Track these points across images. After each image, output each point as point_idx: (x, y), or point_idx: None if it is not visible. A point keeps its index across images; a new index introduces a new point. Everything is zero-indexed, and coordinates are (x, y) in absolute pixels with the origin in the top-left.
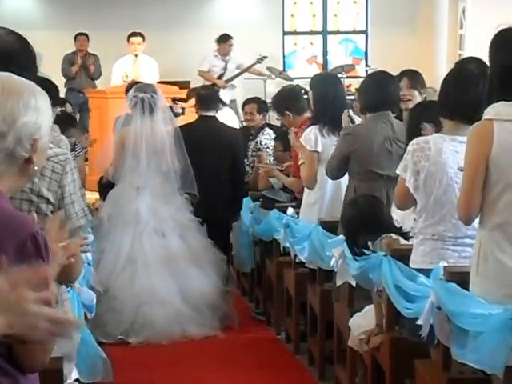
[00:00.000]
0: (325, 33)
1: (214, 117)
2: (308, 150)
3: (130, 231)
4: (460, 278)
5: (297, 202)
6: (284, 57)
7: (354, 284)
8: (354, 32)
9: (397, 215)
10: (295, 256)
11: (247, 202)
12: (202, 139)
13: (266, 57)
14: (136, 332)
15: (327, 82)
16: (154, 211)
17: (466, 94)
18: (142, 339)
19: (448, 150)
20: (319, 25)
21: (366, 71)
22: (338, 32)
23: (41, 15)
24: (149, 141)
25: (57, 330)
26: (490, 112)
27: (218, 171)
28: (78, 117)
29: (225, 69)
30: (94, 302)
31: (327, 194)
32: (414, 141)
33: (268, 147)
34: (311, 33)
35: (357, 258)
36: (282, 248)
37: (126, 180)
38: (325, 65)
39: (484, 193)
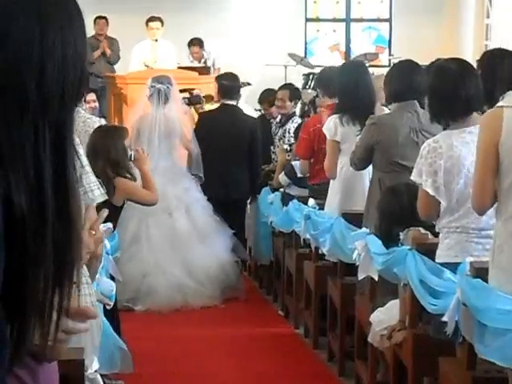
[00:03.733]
0: (348, 20)
1: (235, 105)
2: (328, 139)
3: (138, 211)
4: (486, 273)
5: (313, 192)
6: (306, 44)
7: (376, 278)
8: (378, 20)
9: None
10: (316, 248)
11: (266, 192)
12: (223, 126)
13: (249, 84)
14: (140, 300)
15: (349, 71)
16: (163, 192)
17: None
18: (146, 307)
19: (459, 143)
20: (342, 12)
21: (389, 60)
22: (362, 20)
23: None
24: (162, 127)
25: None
26: (504, 100)
27: (236, 156)
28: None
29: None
30: (114, 291)
31: (350, 186)
32: (424, 144)
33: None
34: (334, 20)
35: (383, 251)
36: (302, 240)
37: None
38: (347, 53)
39: (498, 182)
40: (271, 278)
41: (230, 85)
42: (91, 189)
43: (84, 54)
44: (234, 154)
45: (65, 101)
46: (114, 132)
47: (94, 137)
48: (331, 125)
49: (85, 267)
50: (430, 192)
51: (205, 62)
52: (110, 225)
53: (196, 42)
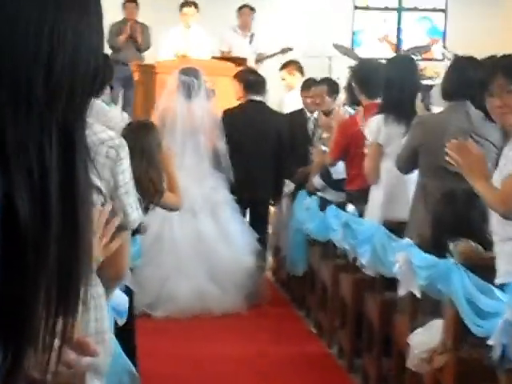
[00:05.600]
0: (400, 9)
1: (262, 101)
2: (370, 142)
3: (160, 210)
4: None
5: (351, 198)
6: (353, 34)
7: (418, 295)
8: (433, 10)
9: None
10: (354, 260)
11: (302, 196)
12: (248, 123)
13: (290, 49)
14: (160, 306)
15: (397, 66)
16: (187, 192)
17: None
18: (166, 313)
19: None
20: (394, 0)
21: (443, 54)
22: (415, 9)
23: None
24: (187, 122)
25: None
26: None
27: (263, 154)
28: (121, 92)
29: (249, 51)
30: (127, 306)
31: (392, 192)
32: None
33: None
34: (385, 9)
35: (427, 264)
36: (338, 250)
37: None
38: (398, 45)
39: None
40: (304, 291)
41: (255, 79)
42: (126, 213)
43: (100, 48)
44: (260, 152)
45: (74, 99)
46: (151, 127)
47: (133, 134)
48: (374, 126)
49: (96, 286)
50: None
51: (251, 37)
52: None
53: (246, 5)
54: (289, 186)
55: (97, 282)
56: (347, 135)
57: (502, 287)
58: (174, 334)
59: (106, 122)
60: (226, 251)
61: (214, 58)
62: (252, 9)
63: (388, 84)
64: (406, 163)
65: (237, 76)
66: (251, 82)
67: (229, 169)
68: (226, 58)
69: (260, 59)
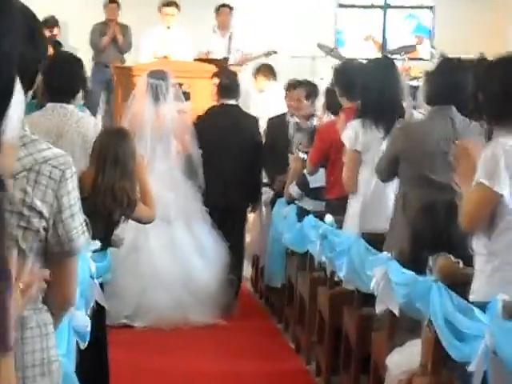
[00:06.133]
0: (385, 7)
1: (236, 105)
2: (347, 149)
3: None
4: None
5: (330, 208)
6: (337, 33)
7: (396, 312)
8: (420, 7)
9: None
10: (332, 273)
11: (281, 205)
12: (222, 127)
13: (275, 52)
14: (140, 316)
15: (375, 69)
16: (161, 199)
17: None
18: (146, 323)
19: None
20: None
21: (431, 53)
22: (401, 7)
23: None
24: (156, 127)
25: None
26: None
27: (237, 159)
28: (104, 95)
29: (228, 51)
30: (89, 328)
31: (371, 201)
32: (493, 144)
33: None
34: (370, 6)
35: (406, 280)
36: (317, 262)
37: None
38: (383, 44)
39: None
40: (283, 304)
41: (228, 82)
42: (71, 238)
43: (14, 55)
44: (234, 158)
45: None
46: (125, 135)
47: (105, 141)
48: (351, 132)
49: (41, 313)
50: (504, 194)
51: (230, 38)
52: (97, 243)
53: (225, 5)
54: (267, 194)
55: (42, 310)
56: (327, 141)
57: (480, 306)
58: (151, 347)
59: (76, 128)
60: (201, 262)
61: (196, 60)
62: (231, 8)
63: (366, 87)
64: (386, 171)
65: (212, 78)
66: (222, 85)
67: (201, 176)
68: (207, 59)
69: (243, 61)
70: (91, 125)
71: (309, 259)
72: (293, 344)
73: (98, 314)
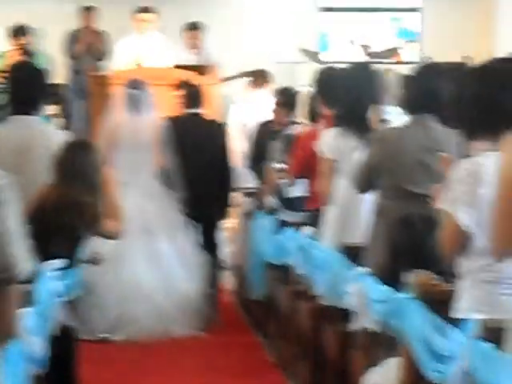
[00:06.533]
0: (369, 9)
1: (198, 113)
2: (322, 157)
3: None
4: (499, 335)
5: (311, 219)
6: (319, 37)
7: (374, 329)
8: (405, 10)
9: None
10: (311, 286)
11: (259, 216)
12: (185, 135)
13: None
14: (120, 329)
15: (350, 76)
16: (141, 209)
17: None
18: (126, 336)
19: None
20: (363, 0)
21: (421, 57)
22: (386, 9)
23: None
24: (136, 137)
25: None
26: None
27: (202, 167)
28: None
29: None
30: (43, 353)
31: (348, 213)
32: (461, 165)
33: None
34: (352, 9)
35: (383, 297)
36: (296, 275)
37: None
38: (368, 47)
39: None
40: (266, 318)
41: (191, 91)
42: (13, 264)
43: None
44: (200, 166)
45: None
46: (89, 147)
47: (67, 154)
48: (327, 140)
49: None
50: (465, 224)
51: (200, 53)
52: (59, 261)
53: (195, 26)
54: (246, 205)
55: None
56: (307, 149)
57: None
58: (129, 363)
59: (42, 140)
60: (183, 273)
61: (178, 66)
62: (197, 28)
63: (342, 94)
64: (363, 182)
65: (177, 88)
66: (187, 95)
67: (178, 185)
68: (189, 66)
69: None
70: (57, 137)
71: (288, 272)
72: (275, 359)
73: (65, 333)
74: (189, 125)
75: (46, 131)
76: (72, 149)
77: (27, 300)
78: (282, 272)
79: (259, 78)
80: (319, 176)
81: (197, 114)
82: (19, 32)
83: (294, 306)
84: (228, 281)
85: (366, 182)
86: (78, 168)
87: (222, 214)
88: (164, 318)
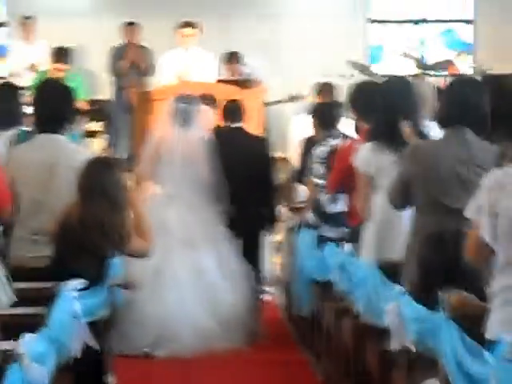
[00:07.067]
0: (421, 21)
1: (240, 128)
2: (359, 173)
3: (160, 241)
4: None
5: (353, 236)
6: (369, 50)
7: (413, 349)
8: (458, 20)
9: None
10: (352, 303)
11: (304, 231)
12: (227, 149)
13: (302, 96)
14: (161, 345)
15: (388, 90)
16: (185, 222)
17: None
18: (168, 353)
19: None
20: (413, 11)
21: (474, 68)
22: (438, 20)
23: (85, 0)
24: (184, 151)
25: None
26: None
27: (245, 182)
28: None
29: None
30: (46, 380)
31: (386, 229)
32: (490, 175)
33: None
34: (403, 21)
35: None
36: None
37: (158, 188)
38: (420, 60)
39: None
40: (313, 334)
41: (232, 106)
42: None
43: None
44: (244, 180)
45: None
46: (112, 165)
47: (91, 173)
48: (363, 155)
49: None
50: (487, 239)
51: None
52: (81, 281)
53: (233, 58)
54: (290, 220)
55: None
56: (345, 164)
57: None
58: (171, 378)
59: (68, 160)
60: (227, 286)
61: (220, 81)
62: (239, 59)
63: (379, 108)
64: (399, 198)
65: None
66: (227, 109)
67: (225, 199)
68: (232, 80)
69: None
70: (81, 155)
71: (332, 288)
72: (322, 376)
73: (89, 354)
74: (231, 139)
75: (71, 150)
76: (95, 167)
77: (40, 323)
78: (325, 288)
79: (325, 90)
80: (357, 191)
81: (238, 128)
82: (60, 56)
83: (337, 323)
84: (275, 296)
85: (401, 197)
86: (102, 186)
87: (268, 229)
88: (206, 334)
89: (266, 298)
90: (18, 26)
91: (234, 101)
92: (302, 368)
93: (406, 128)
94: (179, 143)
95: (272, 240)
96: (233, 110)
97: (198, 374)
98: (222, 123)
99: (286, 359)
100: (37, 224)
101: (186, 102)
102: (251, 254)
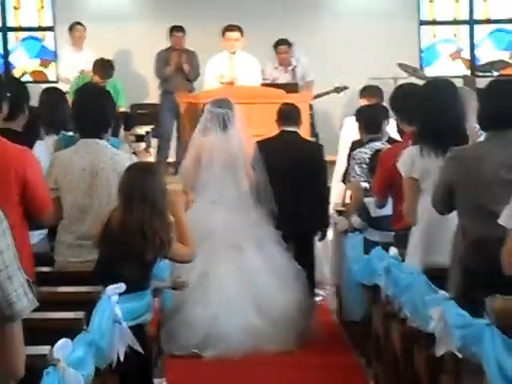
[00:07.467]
0: (472, 22)
1: (295, 132)
2: (404, 177)
3: (205, 246)
4: None
5: (398, 240)
6: (420, 52)
7: (459, 355)
8: (509, 21)
9: None
10: (400, 308)
11: (352, 235)
12: (282, 154)
13: (346, 87)
14: (210, 345)
15: (432, 91)
16: (230, 225)
17: None
18: (216, 353)
19: None
20: (465, 12)
21: None
22: (489, 21)
23: (130, 5)
24: (223, 155)
25: None
26: None
27: (300, 184)
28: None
29: (293, 80)
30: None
31: (432, 233)
32: None
33: (361, 163)
34: (454, 22)
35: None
36: (385, 296)
37: (201, 194)
38: (472, 61)
39: None
40: (363, 338)
41: (288, 109)
42: (11, 302)
43: None
44: (296, 183)
45: None
46: (154, 171)
47: (132, 178)
48: (407, 159)
49: None
50: None
51: (293, 70)
52: (121, 285)
53: (283, 42)
54: (342, 223)
55: None
56: (389, 168)
57: None
58: (219, 378)
59: (111, 165)
60: (275, 286)
61: (263, 84)
62: (290, 44)
63: (422, 111)
64: (442, 203)
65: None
66: (282, 112)
67: (271, 201)
68: (276, 84)
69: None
70: (126, 161)
71: (380, 293)
72: (373, 381)
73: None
74: (285, 142)
75: (114, 154)
76: (136, 172)
77: (79, 327)
78: (374, 292)
79: (370, 92)
80: (402, 195)
81: (293, 132)
82: (101, 68)
83: (385, 327)
84: (328, 299)
85: (444, 202)
86: (142, 192)
87: (321, 232)
88: (254, 333)
89: (319, 300)
90: (69, 32)
91: (290, 104)
92: (353, 371)
93: (452, 131)
94: (218, 148)
95: (323, 243)
96: (288, 114)
97: (248, 375)
98: (278, 127)
99: (337, 362)
100: (82, 229)
101: (222, 106)
102: (305, 256)
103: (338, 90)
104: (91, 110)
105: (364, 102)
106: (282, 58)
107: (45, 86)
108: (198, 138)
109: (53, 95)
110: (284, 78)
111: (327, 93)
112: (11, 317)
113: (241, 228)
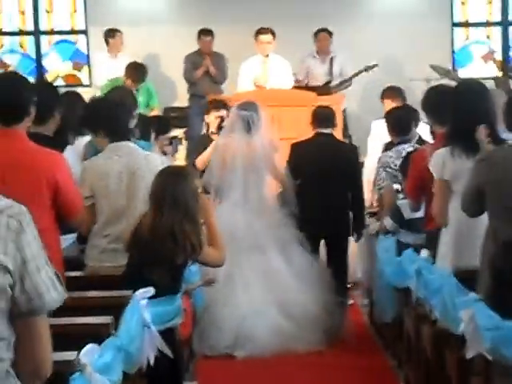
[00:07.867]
0: (505, 23)
1: (331, 134)
2: (435, 178)
3: (229, 248)
4: None
5: (430, 241)
6: (453, 53)
7: (489, 357)
8: None
9: None
10: (430, 310)
11: (383, 237)
12: (317, 156)
13: (376, 65)
14: (240, 346)
15: (464, 93)
16: (252, 228)
17: None
18: (247, 353)
19: None
20: (497, 14)
21: None
22: None
23: (161, 8)
24: (247, 158)
25: None
26: None
27: (335, 186)
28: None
29: (330, 73)
30: None
31: (463, 235)
32: None
33: (388, 166)
34: (487, 24)
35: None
36: (416, 299)
37: (225, 196)
38: (504, 62)
39: None
40: (395, 339)
41: (323, 111)
42: (40, 293)
43: None
44: (332, 185)
45: None
46: (185, 174)
47: (163, 182)
48: (438, 160)
49: None
50: None
51: (331, 61)
52: (150, 290)
53: (324, 30)
54: (374, 224)
55: (9, 376)
56: (421, 169)
57: None
58: (248, 379)
59: (147, 164)
60: (299, 287)
61: (295, 87)
62: (330, 33)
63: (454, 113)
64: (471, 205)
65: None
66: (317, 115)
67: (293, 203)
68: (308, 87)
69: (344, 85)
70: (159, 161)
71: (411, 295)
72: (403, 383)
73: (169, 361)
74: (320, 145)
75: (146, 156)
76: (167, 176)
77: (108, 332)
78: (406, 294)
79: (393, 94)
80: (433, 197)
81: (328, 135)
82: (133, 72)
83: (416, 329)
84: (361, 301)
85: (474, 204)
86: (173, 196)
87: (358, 234)
88: (281, 333)
89: (351, 302)
90: (104, 37)
91: (325, 107)
92: (384, 373)
93: (482, 131)
94: (242, 150)
95: (357, 244)
96: (323, 116)
97: (278, 375)
98: (313, 129)
99: (368, 364)
100: (117, 231)
101: (247, 109)
102: (339, 258)
103: (368, 68)
104: (116, 114)
105: (387, 103)
106: (322, 45)
107: (79, 89)
108: (223, 140)
109: (72, 97)
110: (321, 68)
111: (359, 72)
112: (40, 308)
113: (263, 230)
